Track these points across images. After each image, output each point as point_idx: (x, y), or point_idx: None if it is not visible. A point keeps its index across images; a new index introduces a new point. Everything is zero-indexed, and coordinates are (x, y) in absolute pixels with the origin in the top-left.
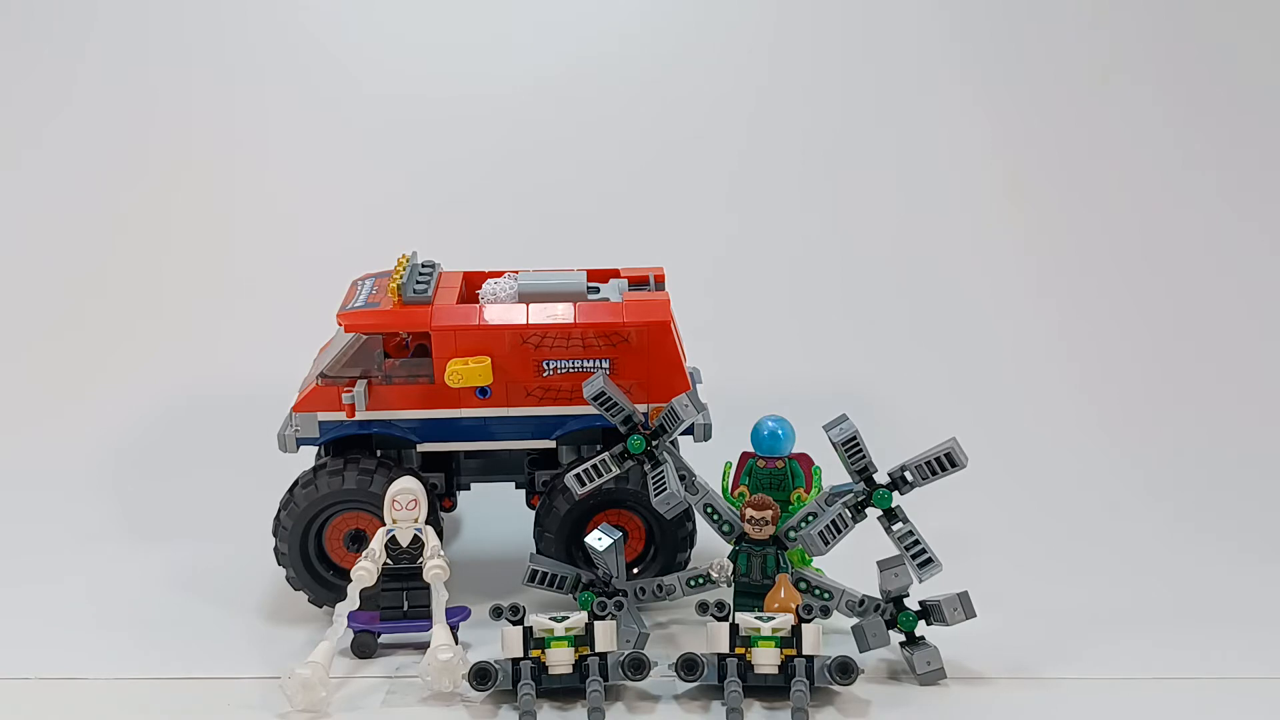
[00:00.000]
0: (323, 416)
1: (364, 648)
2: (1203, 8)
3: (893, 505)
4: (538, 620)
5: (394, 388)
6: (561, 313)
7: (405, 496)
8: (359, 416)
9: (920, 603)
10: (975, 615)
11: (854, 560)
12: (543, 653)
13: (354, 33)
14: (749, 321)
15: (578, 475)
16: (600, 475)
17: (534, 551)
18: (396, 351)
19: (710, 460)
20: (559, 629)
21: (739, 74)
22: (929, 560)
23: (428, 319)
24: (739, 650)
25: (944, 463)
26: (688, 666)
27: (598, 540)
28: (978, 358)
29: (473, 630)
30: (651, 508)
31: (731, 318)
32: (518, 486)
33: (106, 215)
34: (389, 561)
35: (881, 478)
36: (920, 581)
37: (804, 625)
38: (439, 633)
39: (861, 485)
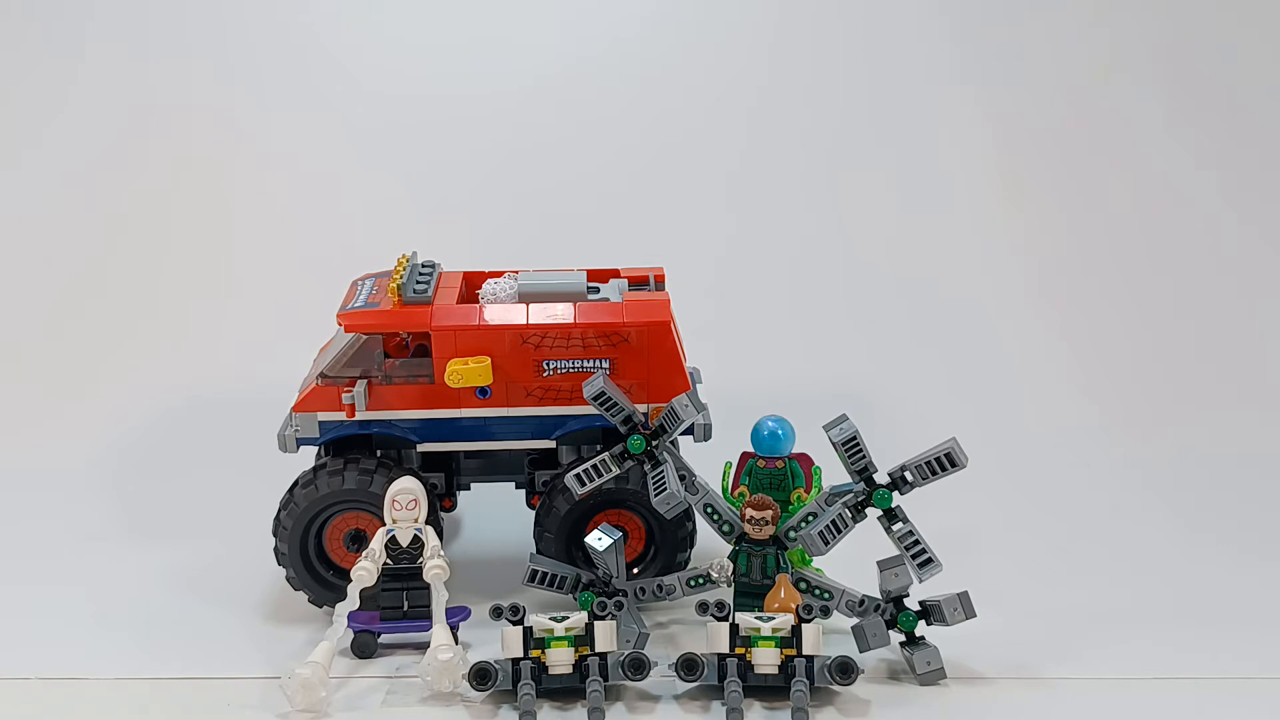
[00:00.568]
0: (323, 416)
1: (364, 648)
2: (1203, 8)
3: (893, 505)
4: (538, 620)
5: (394, 388)
6: (561, 313)
7: (405, 496)
8: (359, 416)
9: (920, 603)
10: (975, 615)
11: (854, 560)
12: (543, 653)
13: (354, 33)
14: (749, 321)
15: (578, 475)
16: (600, 475)
17: (534, 551)
18: (396, 351)
19: (710, 460)
20: (559, 629)
21: (739, 74)
22: (929, 560)
23: (428, 319)
24: (739, 650)
25: (944, 463)
26: (688, 666)
27: (598, 540)
28: (978, 358)
29: (473, 630)
30: (651, 508)
31: (731, 318)
32: (518, 486)
33: (106, 215)
34: (389, 561)
35: (881, 478)
36: (920, 581)
37: (804, 625)
38: (439, 633)
39: (861, 485)
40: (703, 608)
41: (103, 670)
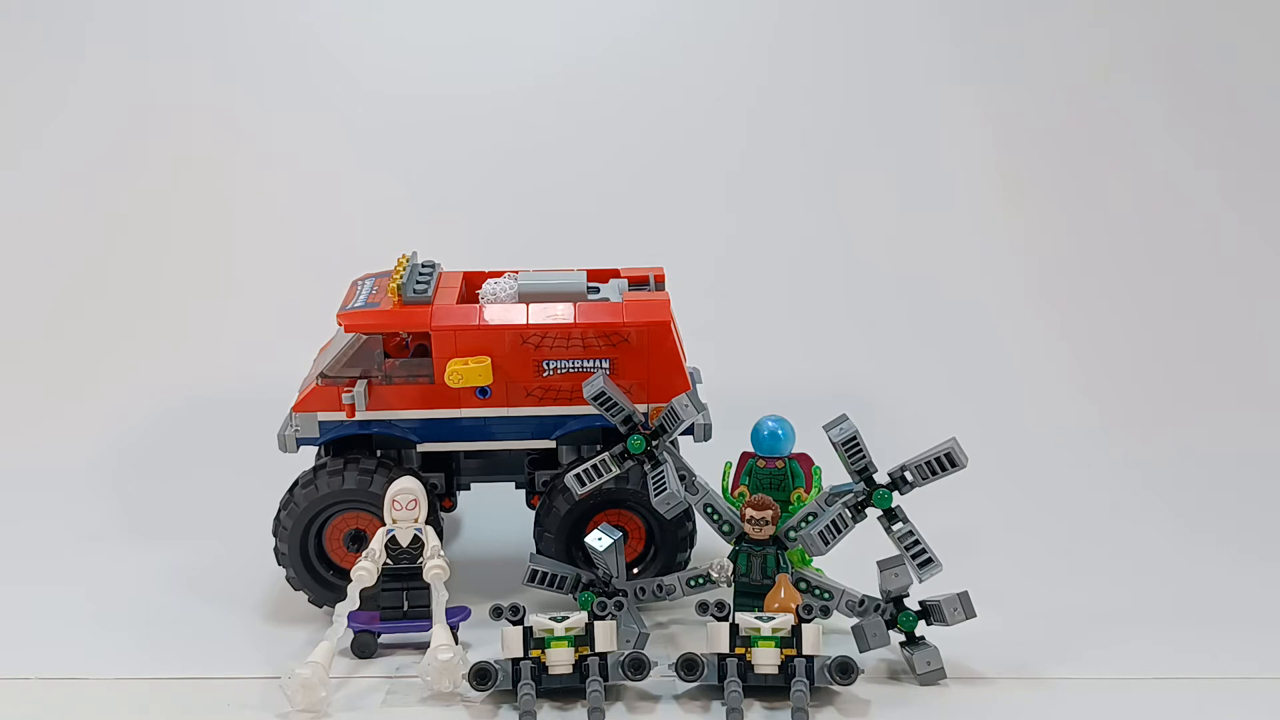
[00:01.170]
0: (323, 416)
1: (364, 648)
2: (1203, 8)
3: (893, 505)
4: (538, 620)
5: (394, 388)
6: (561, 313)
7: (405, 496)
8: (359, 416)
9: (920, 603)
10: (975, 615)
11: (854, 560)
12: (543, 653)
13: (354, 33)
14: (749, 321)
15: (578, 475)
16: (600, 475)
17: (534, 551)
18: (396, 351)
19: (710, 460)
20: (559, 629)
21: (739, 74)
22: (929, 560)
23: (428, 319)
24: (739, 650)
25: (944, 463)
26: (688, 666)
27: (598, 540)
28: (978, 358)
29: (473, 630)
30: (651, 508)
31: (731, 318)
32: (518, 486)
33: (106, 215)
34: (389, 561)
35: (881, 478)
36: (920, 581)
37: (804, 625)
38: (439, 633)
39: (861, 485)
40: (703, 608)
41: (103, 670)
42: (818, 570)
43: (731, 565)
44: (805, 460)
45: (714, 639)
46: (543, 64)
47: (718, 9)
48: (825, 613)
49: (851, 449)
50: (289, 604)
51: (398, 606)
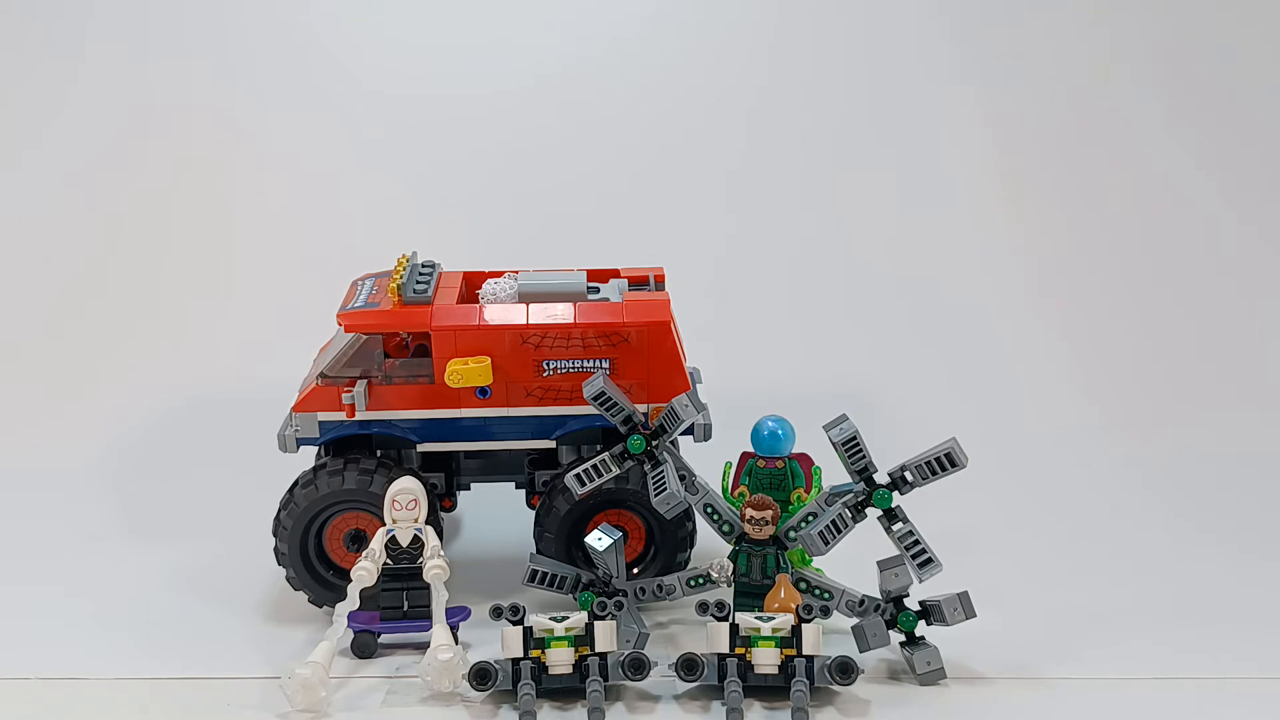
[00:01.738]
0: (323, 416)
1: (364, 648)
2: (1203, 8)
3: (893, 505)
4: (538, 620)
5: (394, 388)
6: (561, 313)
7: (405, 496)
8: (359, 416)
9: (920, 603)
10: (975, 615)
11: (854, 560)
12: (543, 653)
13: (354, 33)
14: (749, 321)
15: (578, 475)
16: (600, 475)
17: (534, 551)
18: (396, 351)
19: (710, 460)
20: (559, 629)
21: (739, 74)
22: (929, 560)
23: (428, 319)
24: (739, 650)
25: (944, 463)
26: (688, 666)
27: (598, 540)
28: (978, 358)
29: (473, 630)
30: (651, 508)
31: (731, 318)
32: (518, 486)
33: (106, 215)
34: (389, 561)
35: (881, 478)
36: (920, 581)
37: (804, 625)
38: (439, 633)
39: (861, 485)
40: (703, 608)
41: (103, 670)
42: (818, 570)
43: (731, 565)
44: (805, 460)
45: (714, 639)
46: (543, 64)
47: (718, 9)
48: (825, 613)
49: (851, 449)
50: (289, 604)
51: (398, 606)
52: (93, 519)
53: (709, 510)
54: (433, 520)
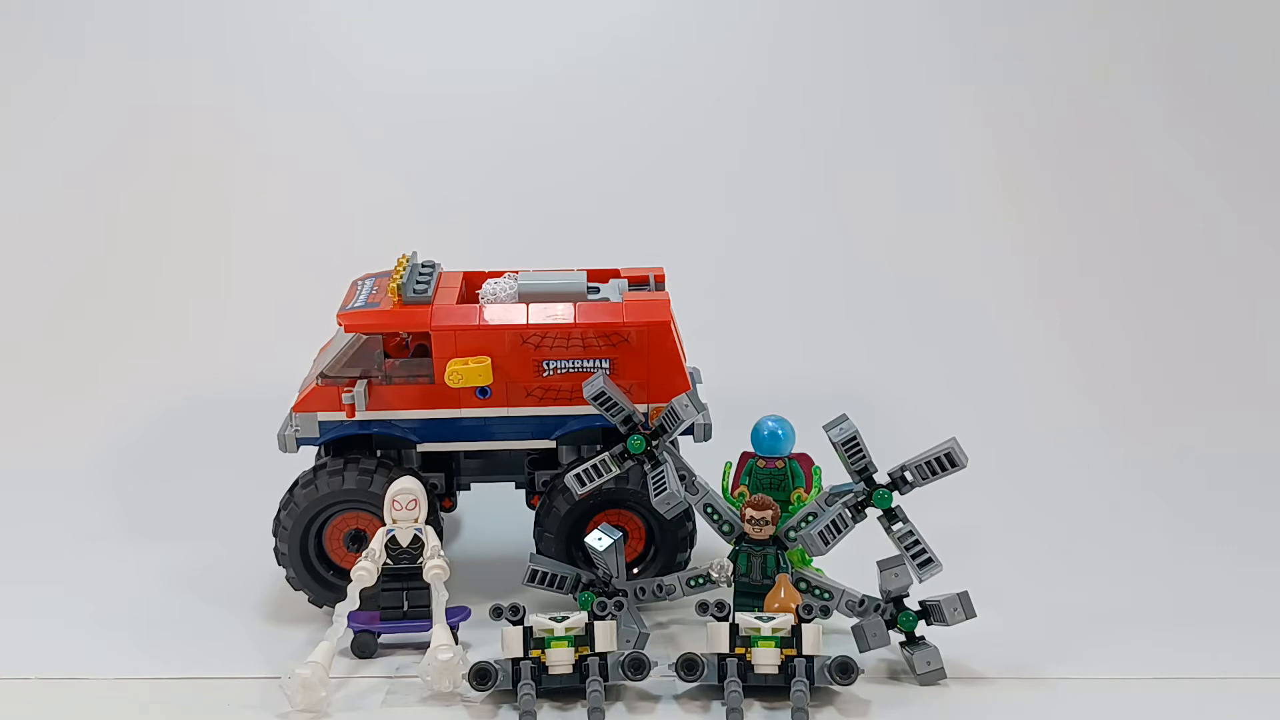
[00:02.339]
0: (323, 416)
1: (364, 648)
2: (1203, 8)
3: (893, 505)
4: (538, 620)
5: (394, 388)
6: (561, 313)
7: (405, 496)
8: (359, 416)
9: (920, 603)
10: (975, 615)
11: (854, 560)
12: (543, 653)
13: (354, 33)
14: (749, 321)
15: (578, 475)
16: (600, 475)
17: (534, 551)
18: (396, 351)
19: (710, 460)
20: (559, 629)
21: (739, 74)
22: (929, 560)
23: (428, 319)
24: (739, 650)
25: (944, 463)
26: (688, 666)
27: (598, 540)
28: (978, 358)
29: (473, 630)
30: (651, 508)
31: (731, 318)
32: (518, 486)
33: (106, 215)
34: (389, 561)
35: (881, 478)
36: (920, 581)
37: (804, 625)
38: (439, 633)
39: (861, 485)
40: (703, 608)
41: (103, 670)
42: (818, 570)
43: (731, 565)
44: (805, 460)
45: (714, 639)
46: (543, 64)
47: (718, 9)
48: (825, 613)
49: (851, 449)
50: (289, 604)
51: (398, 606)
52: (93, 519)
53: (709, 510)
54: (433, 520)
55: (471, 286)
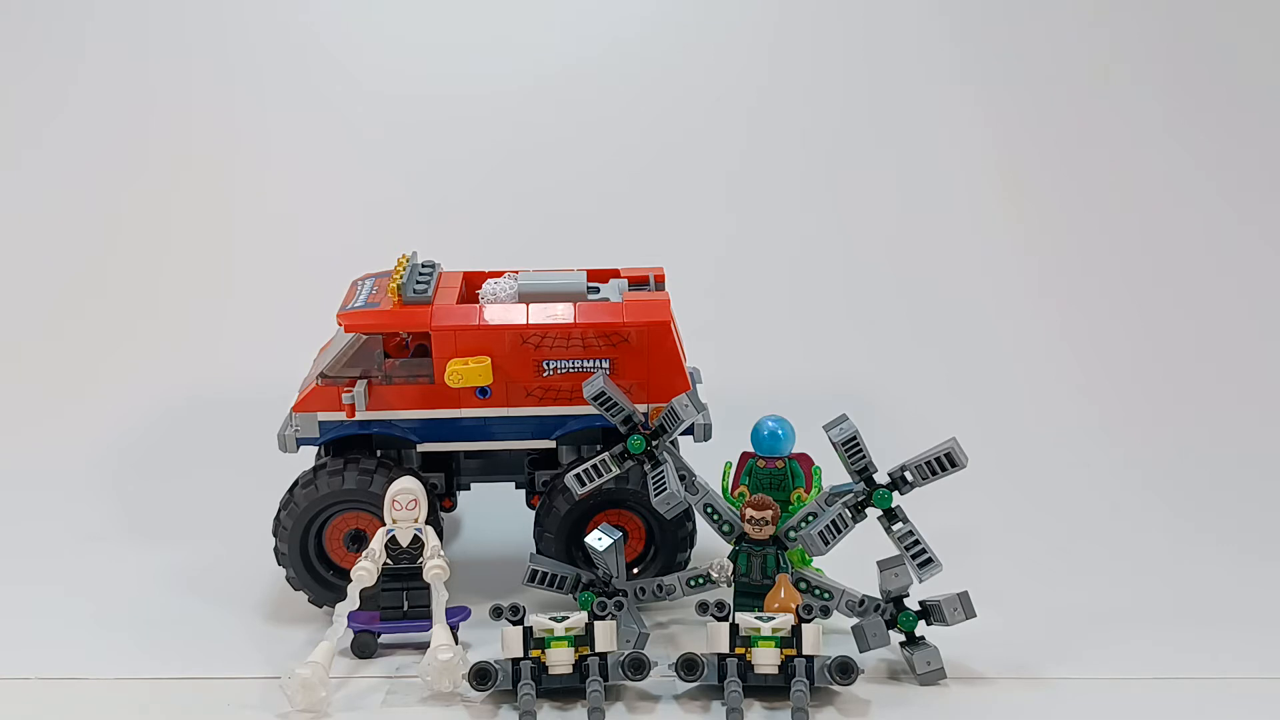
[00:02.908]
0: (323, 416)
1: (364, 648)
2: (1203, 8)
3: (893, 505)
4: (538, 620)
5: (394, 388)
6: (561, 313)
7: (405, 496)
8: (359, 416)
9: (920, 603)
10: (975, 615)
11: (854, 560)
12: (543, 653)
13: (354, 33)
14: (749, 321)
15: (578, 475)
16: (600, 475)
17: (534, 551)
18: (396, 351)
19: (710, 460)
20: (559, 629)
21: (739, 74)
22: (929, 560)
23: (428, 319)
24: (739, 650)
25: (944, 463)
26: (688, 666)
27: (598, 540)
28: (978, 358)
29: (473, 630)
30: (651, 508)
31: (731, 318)
32: (518, 486)
33: (106, 215)
34: (389, 561)
35: (881, 478)
36: (920, 581)
37: (804, 625)
38: (439, 633)
39: (861, 485)
40: (703, 608)
41: (103, 670)
42: (818, 570)
43: (731, 565)
44: (805, 460)
45: (714, 639)
46: (543, 64)
47: (718, 9)
48: (825, 613)
49: (851, 449)
50: (289, 604)
51: (398, 606)
52: (93, 519)
53: (709, 510)
54: (433, 520)
55: (471, 286)
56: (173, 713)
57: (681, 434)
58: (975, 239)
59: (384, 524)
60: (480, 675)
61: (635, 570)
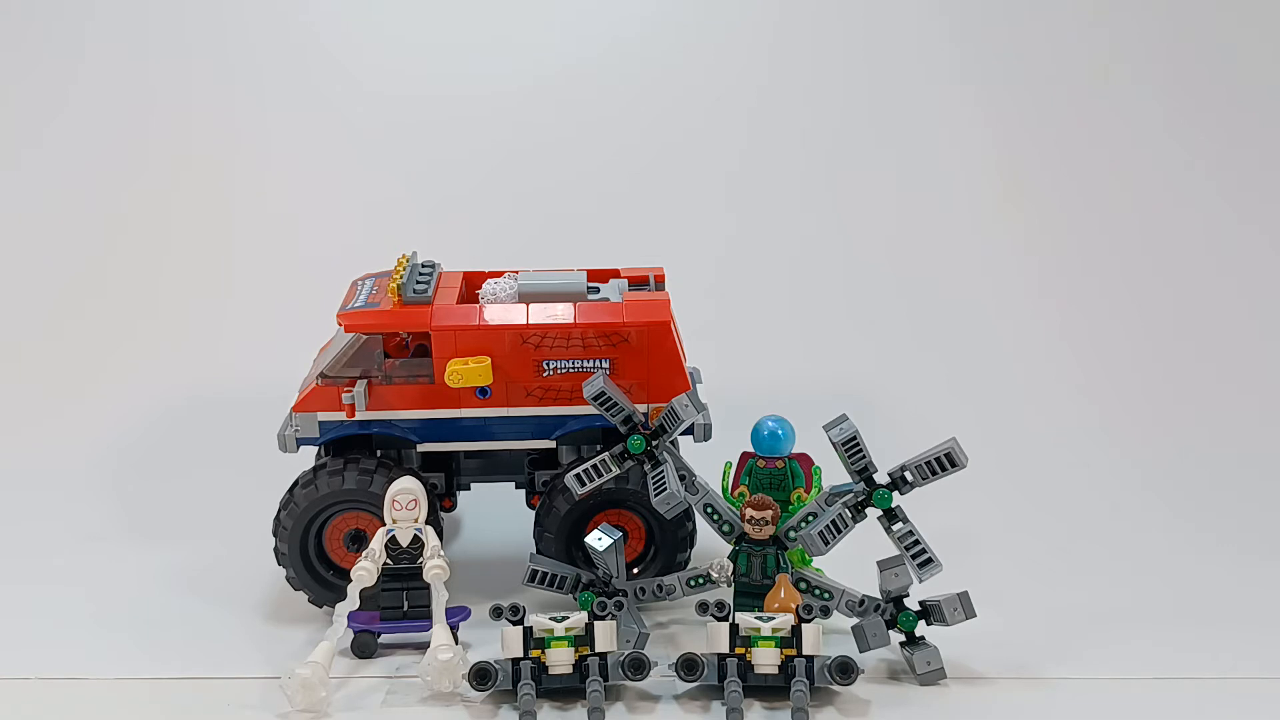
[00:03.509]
0: (323, 416)
1: (364, 648)
2: (1203, 8)
3: (893, 505)
4: (538, 620)
5: (394, 388)
6: (561, 313)
7: (405, 496)
8: (359, 416)
9: (920, 603)
10: (975, 615)
11: (854, 560)
12: (543, 653)
13: (354, 33)
14: (749, 321)
15: (578, 475)
16: (600, 475)
17: (534, 551)
18: (396, 351)
19: (710, 460)
20: (559, 629)
21: (739, 74)
22: (929, 560)
23: (428, 319)
24: (739, 650)
25: (944, 463)
26: (688, 666)
27: (598, 540)
28: (978, 358)
29: (473, 630)
30: (651, 508)
31: (731, 318)
32: (518, 486)
33: (106, 215)
34: (389, 561)
35: (881, 478)
36: (920, 581)
37: (804, 625)
38: (439, 633)
39: (861, 485)
40: (703, 608)
41: (103, 670)
42: (818, 570)
43: (731, 565)
44: (805, 460)
45: (714, 639)
46: (543, 64)
47: (718, 9)
48: (825, 613)
49: (851, 449)
50: (289, 604)
51: (398, 606)
52: (93, 519)
53: (709, 510)
54: (433, 520)
55: (471, 286)
56: (173, 713)
57: (681, 434)
58: (975, 239)
59: (384, 524)
60: (480, 675)
61: (635, 570)
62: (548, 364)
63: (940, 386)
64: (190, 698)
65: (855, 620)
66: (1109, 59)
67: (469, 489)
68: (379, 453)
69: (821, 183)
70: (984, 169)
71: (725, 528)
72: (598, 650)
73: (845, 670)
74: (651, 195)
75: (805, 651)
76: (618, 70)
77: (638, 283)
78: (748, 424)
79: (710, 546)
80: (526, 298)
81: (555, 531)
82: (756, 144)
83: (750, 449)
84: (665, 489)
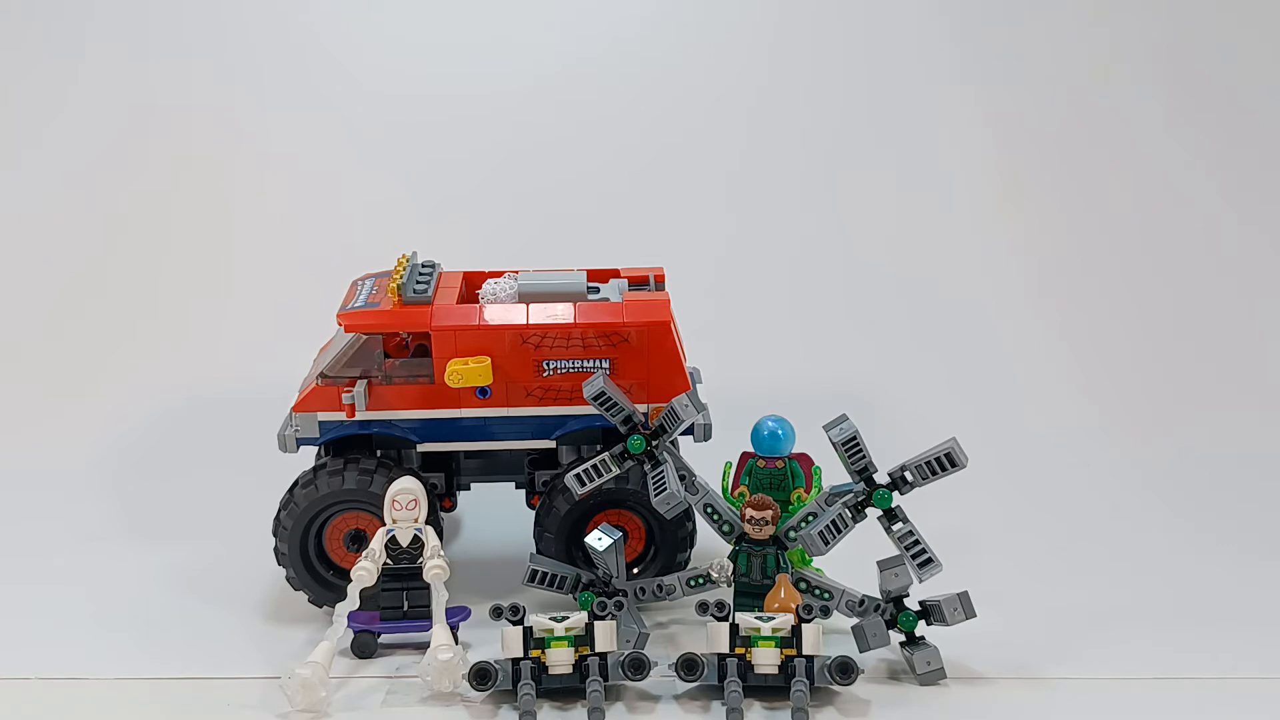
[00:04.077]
0: (323, 416)
1: (364, 648)
2: (1203, 8)
3: (893, 505)
4: (538, 620)
5: (394, 388)
6: (561, 313)
7: (405, 496)
8: (359, 416)
9: (920, 603)
10: (975, 615)
11: (854, 560)
12: (543, 653)
13: (354, 33)
14: (749, 321)
15: (578, 475)
16: (600, 475)
17: (534, 551)
18: (396, 351)
19: (710, 460)
20: (559, 629)
21: (739, 74)
22: (929, 560)
23: (428, 319)
24: (739, 650)
25: (944, 463)
26: (688, 666)
27: (598, 540)
28: (978, 358)
29: (473, 630)
30: (651, 508)
31: (731, 318)
32: (518, 486)
33: (106, 215)
34: (389, 561)
35: (881, 478)
36: (920, 581)
37: (804, 625)
38: (439, 633)
39: (861, 485)
40: (703, 608)
41: (103, 670)
42: (818, 570)
43: (731, 565)
44: (805, 460)
45: (714, 639)
46: (543, 64)
47: (718, 9)
48: (825, 613)
49: (851, 449)
50: (289, 604)
51: (398, 606)
52: (93, 519)
53: (709, 510)
54: (433, 520)
55: (471, 286)
56: (173, 713)
57: (681, 434)
58: (975, 239)
59: (384, 524)
60: (480, 675)
61: (635, 570)
62: (548, 364)
63: (940, 386)
64: (190, 698)
65: (855, 620)
66: (1109, 59)
67: (469, 489)
68: (379, 453)
69: (821, 183)
70: (984, 169)
71: (725, 528)
72: (598, 650)
73: (845, 670)
74: (651, 195)
75: (805, 651)
76: (618, 70)
77: (638, 283)
78: (748, 424)
79: (710, 546)
80: (526, 298)
81: (555, 531)
82: (756, 144)
83: (750, 449)
84: (665, 489)
